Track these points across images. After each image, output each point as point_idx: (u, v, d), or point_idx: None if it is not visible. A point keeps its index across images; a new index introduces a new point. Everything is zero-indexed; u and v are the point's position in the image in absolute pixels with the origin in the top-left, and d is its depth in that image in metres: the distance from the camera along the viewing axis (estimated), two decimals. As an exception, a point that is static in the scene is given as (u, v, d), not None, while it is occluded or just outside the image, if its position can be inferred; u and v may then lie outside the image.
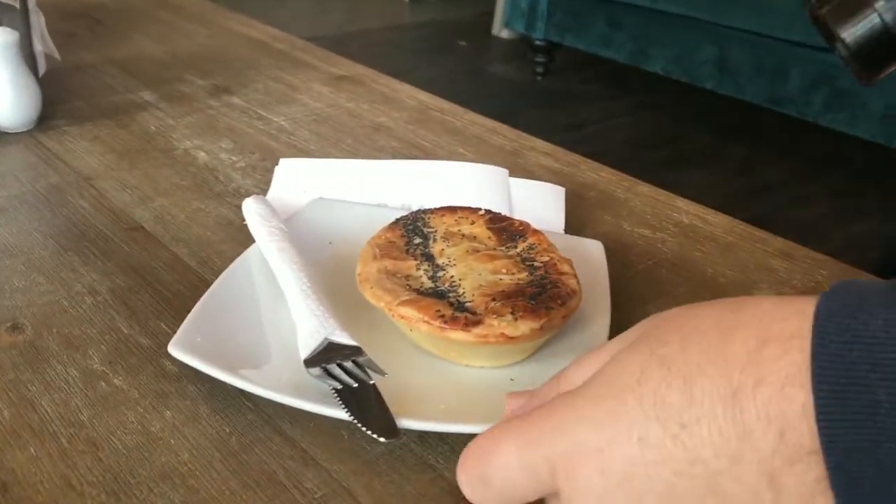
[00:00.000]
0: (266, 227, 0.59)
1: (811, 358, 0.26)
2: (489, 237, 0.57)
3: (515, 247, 0.55)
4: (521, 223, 0.58)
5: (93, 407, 0.47)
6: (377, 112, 0.93)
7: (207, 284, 0.59)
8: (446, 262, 0.54)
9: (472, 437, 0.34)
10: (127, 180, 0.74)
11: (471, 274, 0.52)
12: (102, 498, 0.41)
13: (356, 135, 0.86)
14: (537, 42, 3.17)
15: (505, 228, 0.57)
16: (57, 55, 0.93)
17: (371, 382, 0.46)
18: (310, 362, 0.47)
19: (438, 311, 0.48)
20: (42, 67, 0.89)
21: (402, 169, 0.75)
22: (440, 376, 0.50)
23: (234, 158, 0.79)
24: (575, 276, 0.53)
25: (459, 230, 0.57)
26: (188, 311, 0.55)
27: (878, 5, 0.37)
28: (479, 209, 0.59)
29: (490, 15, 3.84)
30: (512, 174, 0.79)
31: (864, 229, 2.27)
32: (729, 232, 0.70)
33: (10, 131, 0.81)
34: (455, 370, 0.50)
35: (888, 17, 0.36)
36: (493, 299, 0.49)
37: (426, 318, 0.48)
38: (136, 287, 0.59)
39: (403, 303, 0.50)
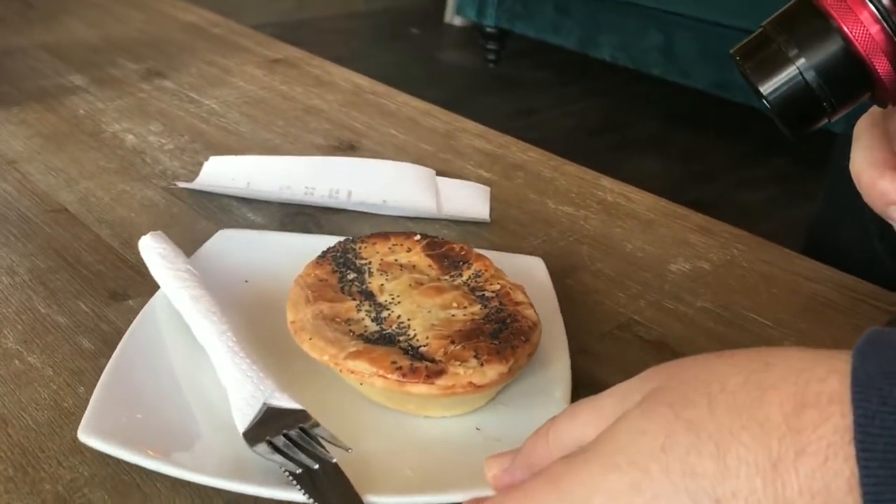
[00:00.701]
0: (172, 271, 0.52)
1: (854, 429, 0.24)
2: (430, 265, 0.52)
3: (460, 275, 0.51)
4: (462, 247, 0.53)
5: (5, 384, 0.47)
6: (310, 95, 0.93)
7: (129, 265, 0.59)
8: (389, 299, 0.49)
9: None
10: (52, 163, 0.73)
11: (419, 312, 0.47)
12: (10, 472, 0.41)
13: (288, 117, 0.86)
14: (488, 29, 3.18)
15: (445, 254, 0.53)
16: (-18, 38, 0.91)
17: (332, 461, 0.40)
18: (250, 436, 0.41)
19: (394, 362, 0.43)
20: (-33, 51, 0.87)
21: (330, 163, 0.75)
22: (399, 434, 0.44)
23: (162, 141, 0.79)
24: (531, 304, 0.49)
25: (396, 259, 0.52)
26: (107, 293, 0.56)
27: (800, 63, 0.36)
28: (415, 234, 0.55)
29: (442, 3, 3.84)
30: (443, 155, 0.80)
31: (806, 212, 2.32)
32: (650, 209, 0.72)
33: (-68, 115, 0.79)
34: (413, 424, 0.45)
35: (809, 76, 0.36)
36: (452, 341, 0.45)
37: (381, 372, 0.43)
38: (56, 268, 0.58)
39: (352, 355, 0.44)
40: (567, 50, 2.96)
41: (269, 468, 0.40)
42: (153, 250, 0.54)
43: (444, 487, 0.39)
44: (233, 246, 0.58)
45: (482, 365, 0.43)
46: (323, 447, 0.40)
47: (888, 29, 0.33)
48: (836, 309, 0.59)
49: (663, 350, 0.54)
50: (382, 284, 0.50)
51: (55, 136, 0.78)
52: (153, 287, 0.56)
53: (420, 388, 0.43)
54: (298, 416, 0.42)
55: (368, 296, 0.49)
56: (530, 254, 0.64)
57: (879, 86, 0.35)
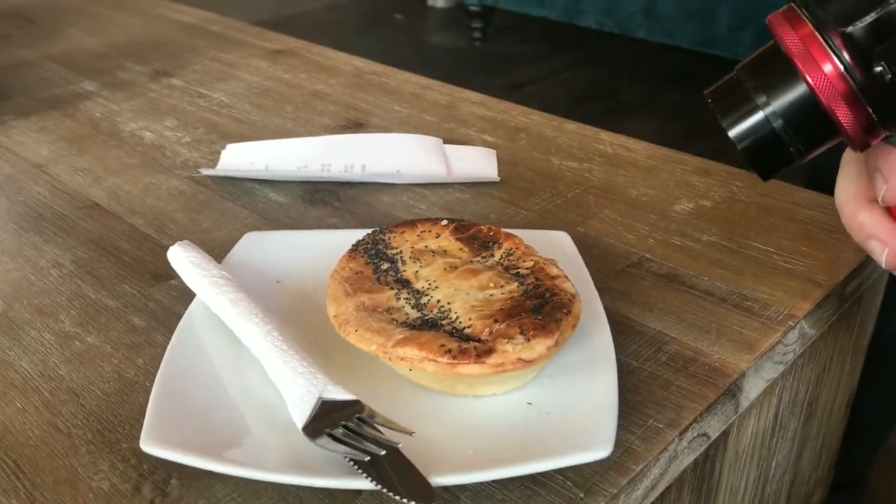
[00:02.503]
0: (207, 278, 0.52)
1: None
2: (461, 249, 0.52)
3: (492, 255, 0.51)
4: (490, 228, 0.53)
5: (70, 363, 0.51)
6: (314, 80, 0.96)
7: (166, 248, 0.63)
8: (426, 285, 0.49)
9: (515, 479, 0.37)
10: (78, 164, 0.77)
11: (458, 295, 0.48)
12: (89, 436, 0.45)
13: (296, 103, 0.90)
14: (472, 8, 3.20)
15: (474, 236, 0.53)
16: (-5, 53, 0.95)
17: (398, 445, 0.40)
18: (310, 430, 0.42)
19: (442, 345, 0.44)
20: (-19, 66, 0.91)
21: (342, 140, 0.78)
22: (454, 416, 0.45)
23: (179, 135, 0.82)
24: (566, 277, 0.49)
25: (426, 246, 0.52)
26: (150, 275, 0.59)
27: (768, 110, 0.36)
28: (441, 219, 0.54)
29: (424, -14, 3.86)
30: (447, 125, 0.84)
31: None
32: (650, 156, 0.76)
33: (-43, 129, 0.83)
34: (465, 405, 0.45)
35: (777, 123, 0.36)
36: (495, 320, 0.45)
37: (431, 356, 0.43)
38: (98, 257, 0.62)
39: (400, 342, 0.44)
40: (552, 21, 2.98)
41: (330, 459, 0.41)
42: (184, 259, 0.55)
43: (505, 463, 0.40)
44: (260, 248, 0.59)
45: (529, 340, 0.43)
46: (382, 434, 0.41)
47: (850, 80, 0.33)
48: (832, 230, 0.63)
49: (675, 281, 0.58)
50: (417, 271, 0.50)
51: (77, 139, 0.82)
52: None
53: (472, 369, 0.43)
54: (355, 407, 0.42)
55: (405, 284, 0.49)
56: (542, 209, 0.67)
57: (844, 133, 0.35)
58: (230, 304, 0.50)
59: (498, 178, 0.72)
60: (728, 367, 0.50)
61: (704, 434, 0.48)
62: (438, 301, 0.47)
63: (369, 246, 0.53)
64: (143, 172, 0.75)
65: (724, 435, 0.52)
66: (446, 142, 0.78)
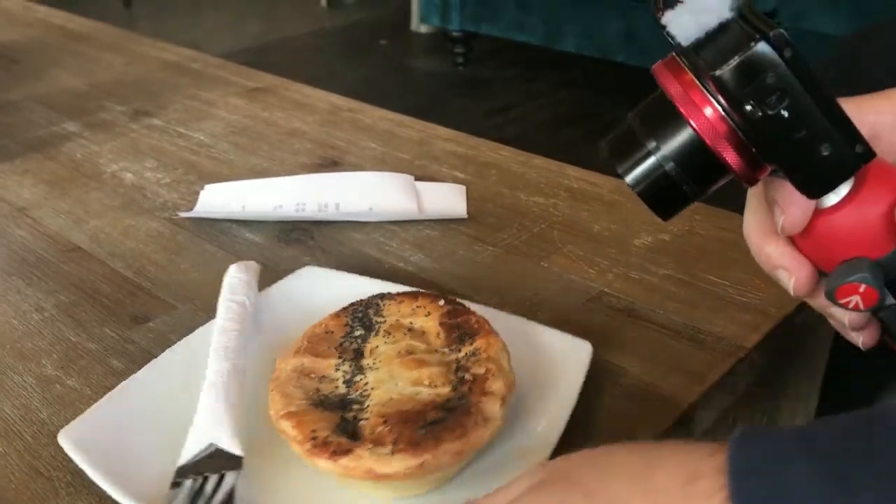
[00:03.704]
0: (226, 302, 0.55)
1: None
2: (437, 335, 0.50)
3: (460, 350, 0.48)
4: (479, 320, 0.50)
5: (51, 406, 0.53)
6: (291, 118, 0.99)
7: (145, 290, 0.65)
8: (371, 363, 0.48)
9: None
10: (60, 207, 0.79)
11: (388, 382, 0.46)
12: (69, 478, 0.47)
13: (272, 141, 0.93)
14: (454, 33, 3.24)
15: (459, 325, 0.50)
16: (-22, 97, 0.97)
17: None
18: (182, 471, 0.44)
19: (314, 430, 0.43)
20: (-34, 110, 0.93)
21: (316, 180, 0.81)
22: None
23: (158, 176, 0.85)
24: (503, 399, 0.45)
25: (410, 322, 0.51)
26: (129, 318, 0.62)
27: (659, 155, 0.37)
28: (441, 299, 0.52)
29: (407, 12, 3.90)
30: (419, 161, 0.86)
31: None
32: (613, 191, 0.78)
33: (-58, 174, 0.85)
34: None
35: (668, 166, 0.37)
36: (385, 421, 0.43)
37: (298, 438, 0.43)
38: (79, 300, 0.64)
39: (287, 415, 0.45)
40: (533, 46, 3.02)
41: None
42: (227, 279, 0.58)
43: None
44: (310, 283, 0.60)
45: (393, 454, 0.41)
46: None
47: (729, 121, 0.35)
48: (785, 263, 0.66)
49: (632, 315, 0.60)
50: (377, 346, 0.49)
51: (58, 182, 0.84)
52: (171, 309, 0.63)
53: (324, 464, 0.42)
54: (232, 464, 0.44)
55: (357, 356, 0.49)
56: (509, 244, 0.70)
57: (732, 171, 0.37)
58: (217, 332, 0.53)
59: (466, 216, 0.75)
60: (679, 398, 0.52)
61: (657, 464, 0.50)
62: (367, 383, 0.47)
63: (360, 308, 0.53)
64: (123, 214, 0.77)
65: (678, 463, 0.54)
66: (418, 179, 0.81)
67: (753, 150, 0.36)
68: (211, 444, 0.45)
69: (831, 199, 0.38)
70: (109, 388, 0.54)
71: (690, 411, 0.52)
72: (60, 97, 1.07)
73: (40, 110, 1.03)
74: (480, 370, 0.46)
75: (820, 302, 0.42)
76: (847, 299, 0.38)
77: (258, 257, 0.69)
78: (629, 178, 0.39)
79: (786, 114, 0.35)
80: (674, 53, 0.37)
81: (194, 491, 0.44)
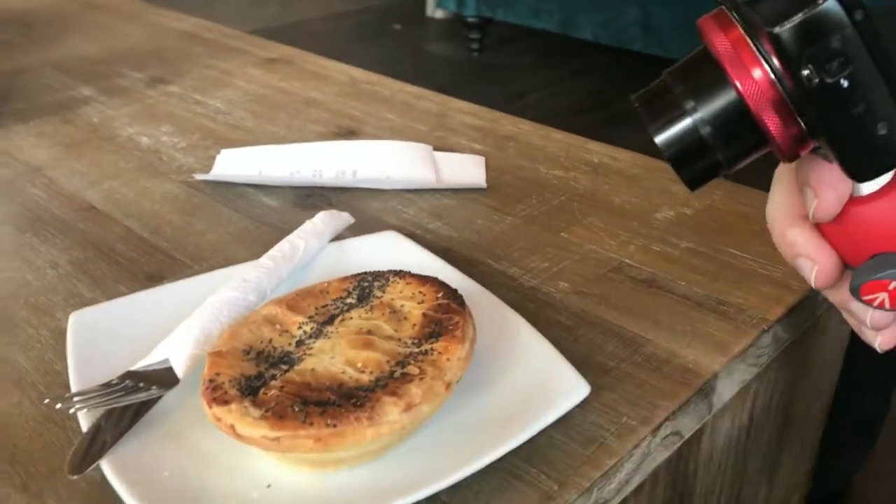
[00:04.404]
0: (282, 242, 0.58)
1: None
2: (413, 325, 0.47)
3: (419, 345, 0.45)
4: (459, 324, 0.46)
5: (65, 359, 0.52)
6: (308, 88, 0.98)
7: (160, 250, 0.65)
8: (331, 331, 0.46)
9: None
10: (75, 168, 0.78)
11: (326, 353, 0.44)
12: (80, 430, 0.47)
13: (290, 110, 0.92)
14: (470, 19, 3.23)
15: (439, 321, 0.46)
16: (-5, 59, 0.97)
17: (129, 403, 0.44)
18: (129, 375, 0.47)
19: (218, 374, 0.43)
20: (-18, 72, 0.93)
21: (334, 147, 0.80)
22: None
23: (175, 140, 0.84)
24: (409, 406, 0.41)
25: (400, 305, 0.49)
26: (144, 276, 0.61)
27: (695, 116, 0.34)
28: (445, 289, 0.49)
29: (422, -4, 3.89)
30: (437, 133, 0.85)
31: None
32: (634, 165, 0.77)
33: (-42, 133, 0.85)
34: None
35: (704, 130, 0.34)
36: (283, 387, 0.42)
37: (203, 376, 0.43)
38: (94, 258, 0.64)
39: (213, 353, 0.45)
40: (549, 33, 3.01)
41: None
42: (307, 221, 0.61)
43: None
44: (381, 247, 0.60)
45: (259, 419, 0.40)
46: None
47: (779, 87, 0.33)
48: (809, 239, 0.65)
49: (653, 286, 0.59)
50: (351, 318, 0.48)
51: (74, 144, 0.84)
52: (186, 269, 0.62)
53: (205, 408, 0.41)
54: (170, 383, 0.46)
55: (328, 322, 0.48)
56: (528, 215, 0.69)
57: (772, 142, 0.34)
58: (250, 264, 0.56)
59: (485, 185, 0.74)
60: (701, 368, 0.51)
61: (677, 432, 0.49)
62: (310, 349, 0.45)
63: (368, 278, 0.51)
64: (139, 176, 0.77)
65: (699, 434, 0.54)
66: (436, 149, 0.80)
67: (801, 121, 0.33)
68: (165, 360, 0.47)
69: (870, 186, 0.36)
70: (124, 343, 0.54)
71: (712, 382, 0.51)
72: (76, 63, 1.07)
73: (56, 75, 1.03)
74: (415, 371, 0.43)
75: (841, 296, 0.40)
76: (873, 296, 0.36)
77: (275, 221, 0.68)
78: (660, 139, 0.35)
79: (845, 83, 0.31)
80: (723, 6, 0.34)
81: (117, 389, 0.45)
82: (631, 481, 0.47)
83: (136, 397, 0.45)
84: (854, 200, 0.36)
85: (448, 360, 0.44)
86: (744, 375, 0.55)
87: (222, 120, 0.89)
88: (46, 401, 0.47)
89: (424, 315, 0.47)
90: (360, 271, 0.53)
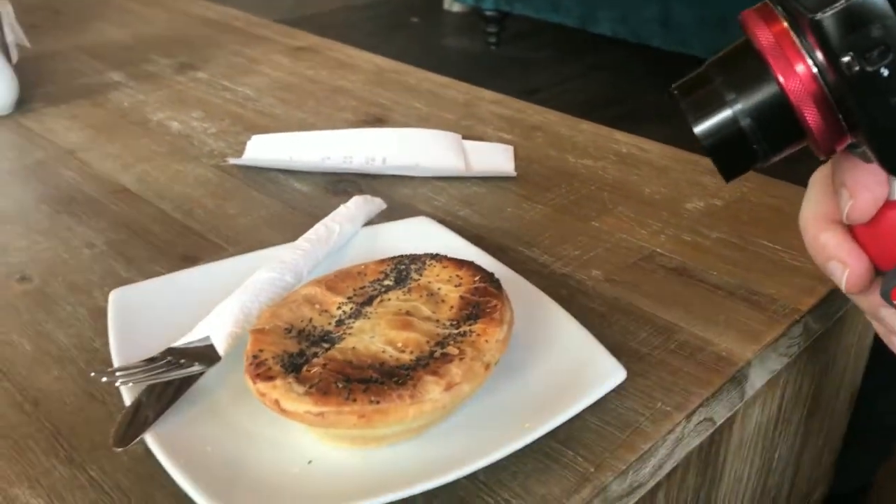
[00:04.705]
0: (317, 225, 0.59)
1: None
2: (451, 307, 0.47)
3: (458, 327, 0.46)
4: (497, 307, 0.46)
5: (103, 336, 0.53)
6: (336, 76, 0.99)
7: (194, 232, 0.65)
8: (370, 312, 0.47)
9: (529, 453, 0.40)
10: (108, 151, 0.79)
11: (366, 333, 0.45)
12: (121, 404, 0.47)
13: (318, 97, 0.92)
14: (488, 13, 3.22)
15: (477, 304, 0.47)
16: (27, 43, 0.97)
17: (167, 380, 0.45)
18: (171, 351, 0.47)
19: (261, 351, 0.43)
20: (14, 56, 0.93)
21: (363, 134, 0.81)
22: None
23: (205, 125, 0.85)
24: (450, 385, 0.42)
25: (437, 288, 0.49)
26: (179, 257, 0.62)
27: (735, 108, 0.35)
28: (482, 272, 0.50)
29: (440, -10, 3.89)
30: (465, 122, 0.86)
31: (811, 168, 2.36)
32: (663, 157, 0.78)
33: (-9, 115, 0.86)
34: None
35: (744, 121, 0.34)
36: (326, 365, 0.42)
37: (246, 353, 0.44)
38: (129, 239, 0.64)
39: (255, 330, 0.45)
40: (567, 27, 3.00)
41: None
42: (342, 205, 0.62)
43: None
44: (412, 232, 0.61)
45: (303, 395, 0.40)
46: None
47: (821, 80, 0.33)
48: (840, 232, 0.65)
49: (684, 275, 0.60)
50: (389, 300, 0.48)
51: (106, 127, 0.84)
52: (220, 250, 0.63)
53: (249, 384, 0.42)
54: (211, 360, 0.47)
55: (367, 303, 0.48)
56: (557, 204, 0.69)
57: (811, 136, 0.34)
58: (288, 245, 0.57)
59: (515, 174, 0.74)
60: (734, 356, 0.52)
61: (710, 419, 0.50)
62: (351, 328, 0.46)
63: (405, 261, 0.52)
64: (170, 160, 0.77)
65: (730, 422, 0.54)
66: (464, 138, 0.80)
67: (840, 115, 0.33)
68: (206, 337, 0.48)
69: None
70: (162, 322, 0.54)
71: (745, 370, 0.51)
72: (105, 48, 1.08)
73: (85, 60, 1.03)
74: (454, 351, 0.43)
75: (871, 301, 0.39)
76: None
77: (307, 206, 0.69)
78: (699, 130, 0.35)
79: (885, 72, 0.31)
80: (767, 0, 0.34)
81: (161, 365, 0.46)
82: (664, 466, 0.47)
83: (178, 373, 0.45)
84: (890, 204, 0.36)
85: (487, 341, 0.44)
86: (775, 365, 0.55)
87: (251, 106, 0.90)
88: (92, 374, 0.48)
89: (462, 298, 0.48)
90: (394, 255, 0.53)
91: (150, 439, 0.42)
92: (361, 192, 0.72)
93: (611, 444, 0.45)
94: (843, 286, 0.38)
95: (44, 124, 0.85)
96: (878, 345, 0.74)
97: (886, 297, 0.36)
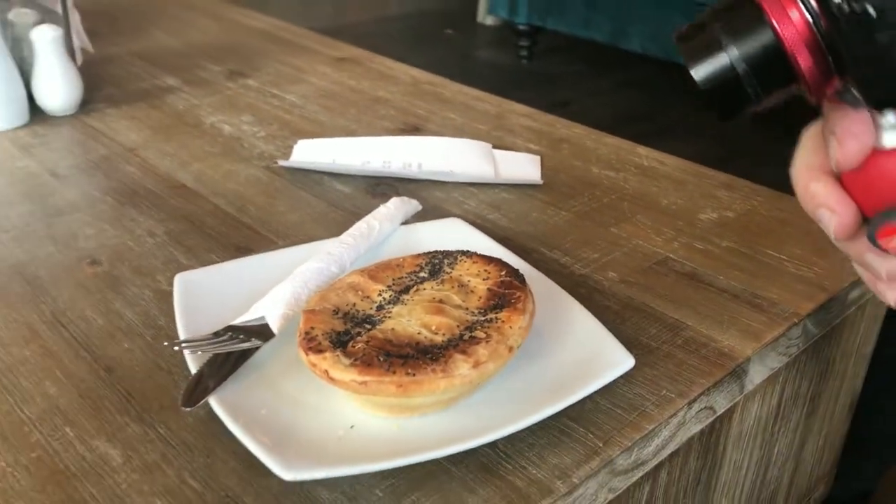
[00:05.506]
0: (360, 222, 0.65)
1: None
2: (479, 297, 0.53)
3: (485, 315, 0.51)
4: (521, 298, 0.52)
5: (166, 315, 0.59)
6: (376, 87, 1.05)
7: (247, 226, 0.71)
8: (408, 299, 0.53)
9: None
10: (165, 150, 0.86)
11: (404, 317, 0.51)
12: (185, 373, 0.53)
13: (359, 106, 0.98)
14: (520, 27, 3.28)
15: (503, 295, 0.52)
16: (91, 48, 1.05)
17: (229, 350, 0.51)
18: (230, 328, 0.53)
19: (313, 328, 0.49)
20: (79, 59, 1.00)
21: (401, 141, 0.87)
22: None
23: (255, 129, 0.91)
24: (477, 363, 0.47)
25: (468, 280, 0.54)
26: (233, 248, 0.68)
27: (731, 52, 0.36)
28: (507, 268, 0.55)
29: (474, 3, 3.95)
30: (496, 133, 0.92)
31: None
32: (681, 171, 0.83)
33: (58, 114, 0.93)
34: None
35: (739, 66, 0.36)
36: (369, 342, 0.48)
37: (299, 330, 0.49)
38: (187, 230, 0.71)
39: (307, 311, 0.51)
40: (598, 43, 3.06)
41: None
42: (381, 206, 0.68)
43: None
44: (445, 232, 0.66)
45: (349, 366, 0.46)
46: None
47: (814, 28, 0.35)
48: (842, 244, 0.70)
49: (694, 279, 0.65)
50: (425, 289, 0.53)
51: (163, 128, 0.91)
52: (272, 243, 0.69)
53: (302, 356, 0.48)
54: (266, 337, 0.53)
55: (404, 291, 0.54)
56: (580, 211, 0.75)
57: (803, 80, 0.36)
58: (334, 240, 0.63)
59: (541, 182, 0.80)
60: (735, 353, 0.57)
61: (710, 407, 0.55)
62: (389, 313, 0.51)
63: (439, 256, 0.57)
64: (223, 160, 0.84)
65: (730, 413, 0.59)
66: (495, 147, 0.86)
67: (830, 58, 0.35)
68: (262, 317, 0.54)
69: (893, 138, 0.37)
70: (219, 304, 0.60)
71: (745, 366, 0.57)
72: (159, 54, 1.15)
73: (141, 65, 1.11)
74: (481, 335, 0.49)
75: (858, 249, 0.40)
76: (889, 240, 0.37)
77: (349, 206, 0.75)
78: (697, 74, 0.37)
79: (873, 12, 0.33)
80: None
81: (224, 339, 0.52)
82: (667, 447, 0.52)
83: (238, 346, 0.51)
84: (877, 152, 0.37)
85: (510, 327, 0.50)
86: (774, 363, 0.60)
87: (297, 113, 0.96)
88: (165, 343, 0.54)
89: (489, 290, 0.53)
90: (428, 250, 0.59)
91: (213, 402, 0.48)
92: (398, 194, 0.78)
93: (618, 424, 0.50)
94: (831, 233, 0.39)
95: (106, 124, 0.92)
96: (879, 354, 0.78)
97: (872, 239, 0.37)
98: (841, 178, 0.39)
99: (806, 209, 0.40)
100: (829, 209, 0.39)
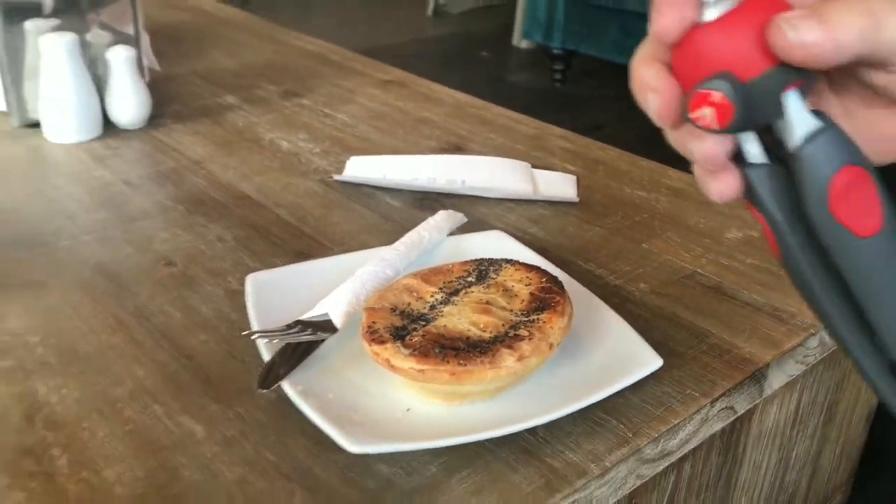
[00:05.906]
0: (410, 232, 0.71)
1: None
2: (522, 300, 0.58)
3: (527, 316, 0.56)
4: (560, 301, 0.57)
5: (237, 311, 0.66)
6: (421, 109, 1.11)
7: (306, 234, 0.78)
8: (458, 300, 0.58)
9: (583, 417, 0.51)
10: (228, 163, 0.93)
11: (455, 316, 0.56)
12: (257, 362, 0.60)
13: (406, 127, 1.05)
14: (555, 51, 3.35)
15: (543, 299, 0.58)
16: (158, 67, 1.12)
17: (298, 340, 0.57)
18: (299, 322, 0.60)
19: (374, 322, 0.55)
20: (147, 77, 1.08)
21: (446, 159, 0.93)
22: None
23: (310, 146, 0.98)
24: (521, 357, 0.53)
25: (511, 285, 0.60)
26: (294, 253, 0.74)
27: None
28: (548, 275, 0.61)
29: (509, 26, 4.04)
30: (535, 153, 0.97)
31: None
32: (709, 192, 0.88)
33: (130, 128, 1.00)
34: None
35: None
36: (424, 336, 0.53)
37: (362, 324, 0.55)
38: (253, 237, 0.77)
39: (368, 308, 0.57)
40: (628, 68, 3.11)
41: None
42: (430, 217, 0.74)
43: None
44: (487, 244, 0.72)
45: (408, 356, 0.52)
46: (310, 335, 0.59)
47: None
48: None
49: (719, 292, 0.70)
50: (473, 292, 0.59)
51: (225, 143, 0.98)
52: (329, 251, 0.75)
53: (365, 346, 0.54)
54: (330, 331, 0.59)
55: (454, 293, 0.59)
56: (613, 227, 0.81)
57: None
58: (387, 247, 0.69)
59: (577, 200, 0.86)
60: (756, 358, 0.62)
61: (731, 407, 0.60)
62: (441, 312, 0.57)
63: (485, 263, 0.63)
64: (282, 174, 0.91)
65: (749, 414, 0.64)
66: (534, 167, 0.92)
67: None
68: (326, 314, 0.60)
69: (712, 12, 0.34)
70: (284, 303, 0.67)
71: (764, 370, 0.62)
72: (219, 74, 1.22)
73: (203, 84, 1.18)
74: (525, 333, 0.54)
75: (682, 137, 0.38)
76: (698, 113, 0.35)
77: (398, 218, 0.81)
78: None
79: None
80: None
81: (294, 331, 0.59)
82: (691, 441, 0.58)
83: (306, 338, 0.58)
84: (697, 26, 0.35)
85: (551, 327, 0.55)
86: (792, 370, 0.65)
87: (349, 131, 1.03)
88: (243, 332, 0.60)
89: (531, 294, 0.59)
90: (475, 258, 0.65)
91: (286, 386, 0.54)
92: (444, 208, 0.84)
93: (647, 418, 0.55)
94: (654, 116, 0.37)
95: (173, 138, 0.99)
96: None
97: (685, 114, 0.36)
98: (671, 65, 0.37)
99: (637, 98, 0.38)
100: (653, 90, 0.37)
